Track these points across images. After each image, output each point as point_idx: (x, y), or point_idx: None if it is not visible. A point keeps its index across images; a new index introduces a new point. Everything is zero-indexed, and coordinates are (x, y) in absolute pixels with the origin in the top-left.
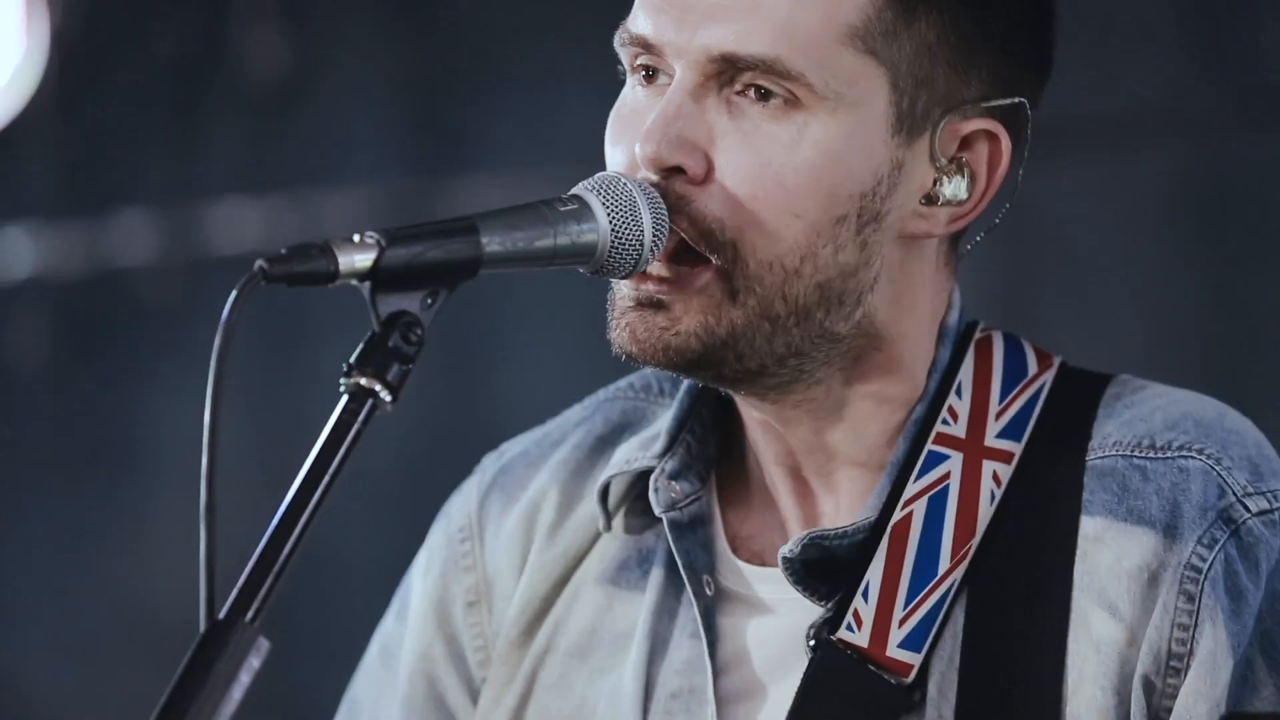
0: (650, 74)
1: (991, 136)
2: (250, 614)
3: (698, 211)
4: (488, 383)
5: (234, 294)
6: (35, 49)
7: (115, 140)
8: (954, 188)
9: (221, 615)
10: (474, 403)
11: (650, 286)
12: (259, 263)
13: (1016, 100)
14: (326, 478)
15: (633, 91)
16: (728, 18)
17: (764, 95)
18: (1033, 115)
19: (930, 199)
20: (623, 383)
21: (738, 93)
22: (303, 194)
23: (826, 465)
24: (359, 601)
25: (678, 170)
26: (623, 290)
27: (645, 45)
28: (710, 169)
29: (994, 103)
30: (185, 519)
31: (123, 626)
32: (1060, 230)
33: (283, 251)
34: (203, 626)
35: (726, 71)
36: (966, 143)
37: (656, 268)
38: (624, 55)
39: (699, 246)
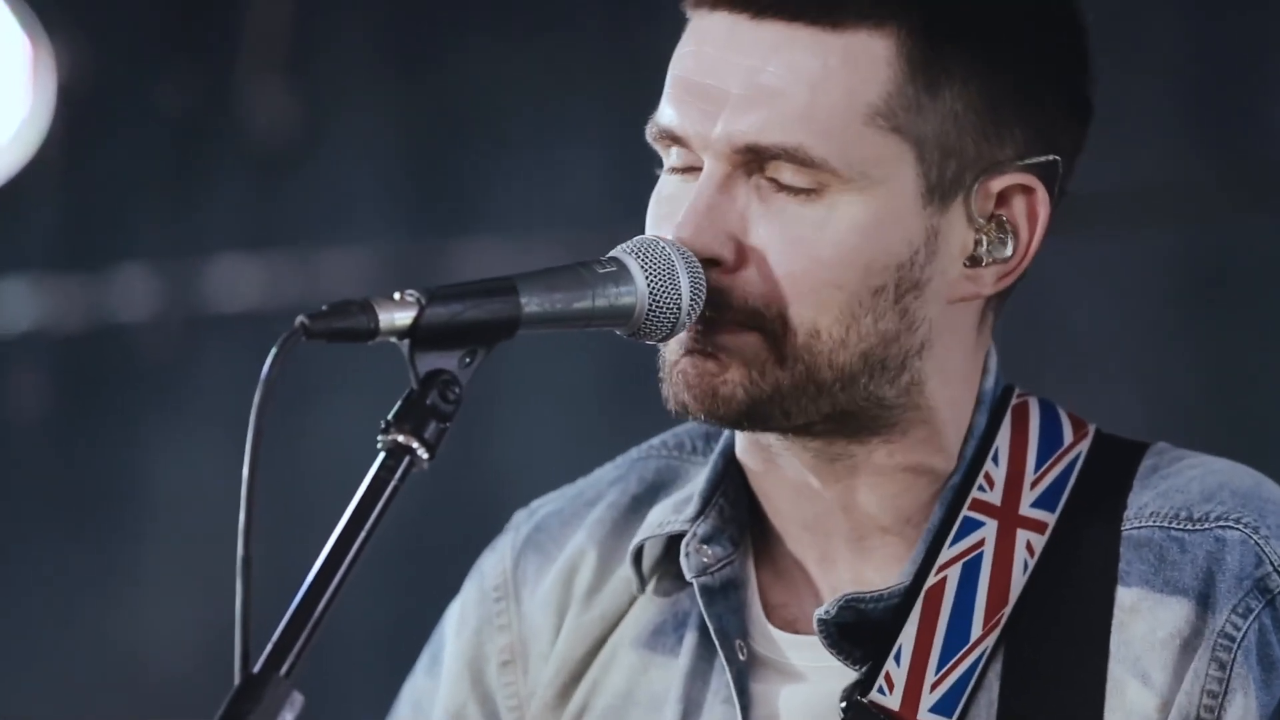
0: (687, 169)
1: (1027, 189)
2: (284, 669)
3: (739, 299)
4: (483, 449)
5: (275, 349)
6: (41, 104)
7: (118, 195)
8: (996, 246)
9: (256, 669)
10: (469, 469)
11: (694, 338)
12: (300, 318)
13: (1050, 158)
14: (362, 534)
15: (668, 178)
16: (750, 108)
17: (791, 181)
18: (1076, 163)
19: (974, 260)
20: (655, 441)
21: (766, 178)
22: (304, 252)
23: (856, 531)
24: (354, 665)
25: (713, 261)
26: (673, 343)
27: (673, 138)
28: (745, 255)
29: (1029, 161)
30: (179, 574)
31: (114, 680)
32: (1060, 309)
33: (324, 308)
34: (237, 679)
35: (753, 160)
36: (1003, 199)
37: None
38: (657, 147)
39: (748, 327)
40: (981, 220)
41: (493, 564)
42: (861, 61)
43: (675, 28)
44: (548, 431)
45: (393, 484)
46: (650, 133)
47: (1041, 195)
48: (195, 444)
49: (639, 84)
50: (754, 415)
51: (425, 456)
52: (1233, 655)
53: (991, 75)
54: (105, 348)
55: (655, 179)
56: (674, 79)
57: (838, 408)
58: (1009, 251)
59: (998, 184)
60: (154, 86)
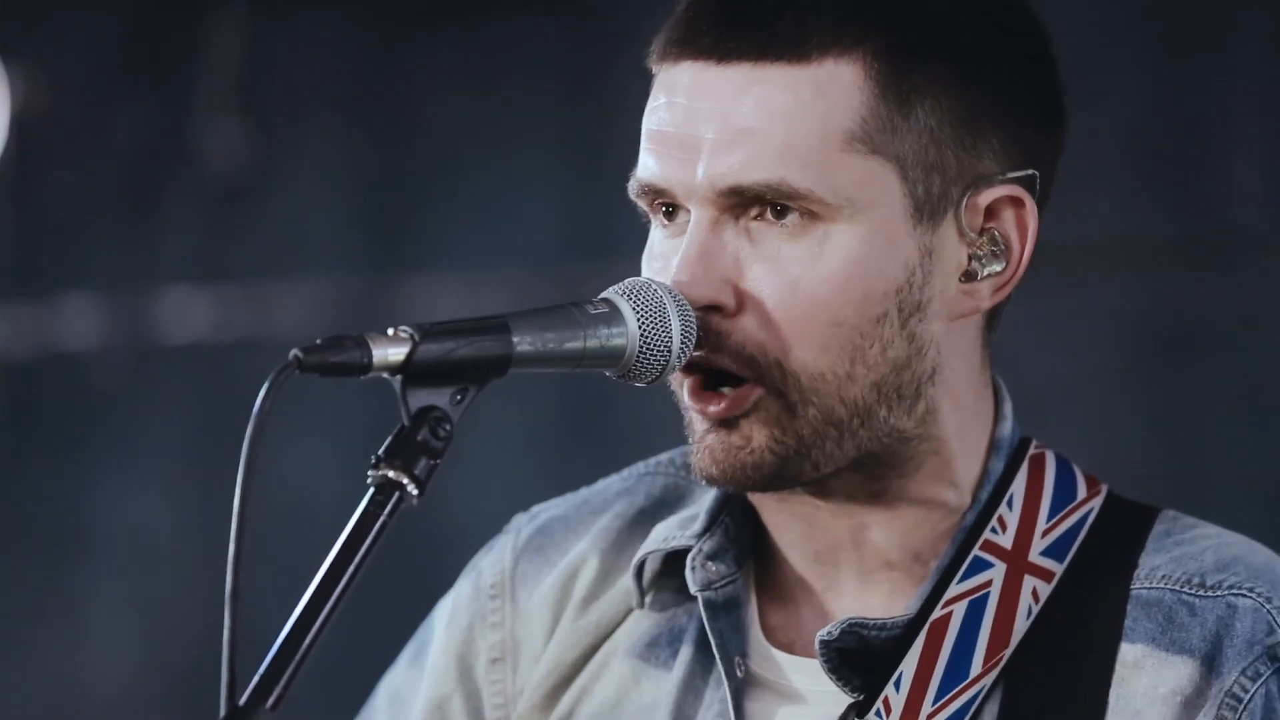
0: (670, 211)
1: (1015, 200)
2: (270, 701)
3: (737, 344)
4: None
5: (268, 382)
6: None
7: (69, 224)
8: (989, 260)
9: (242, 702)
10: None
11: (714, 409)
12: (294, 352)
13: (1030, 173)
14: (351, 568)
15: (657, 233)
16: (728, 150)
17: (780, 214)
18: (1055, 171)
19: (970, 275)
20: (663, 457)
21: (754, 218)
22: (254, 286)
23: (864, 565)
24: (303, 696)
25: (712, 308)
26: (698, 419)
27: (656, 191)
28: (742, 299)
29: (1011, 175)
30: (124, 604)
31: (57, 712)
32: (1010, 357)
33: (318, 341)
34: (223, 712)
35: (739, 203)
36: (991, 212)
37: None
38: (641, 203)
39: (744, 374)
40: (973, 234)
41: (490, 563)
42: (832, 90)
43: (629, 74)
44: (498, 468)
45: (382, 519)
46: (632, 190)
47: (1030, 206)
48: (141, 475)
49: (593, 127)
50: (784, 474)
51: (415, 492)
52: (1238, 715)
53: (961, 89)
54: (52, 376)
55: (606, 221)
56: (649, 133)
57: (862, 449)
58: (1002, 264)
59: (985, 197)
60: (108, 117)
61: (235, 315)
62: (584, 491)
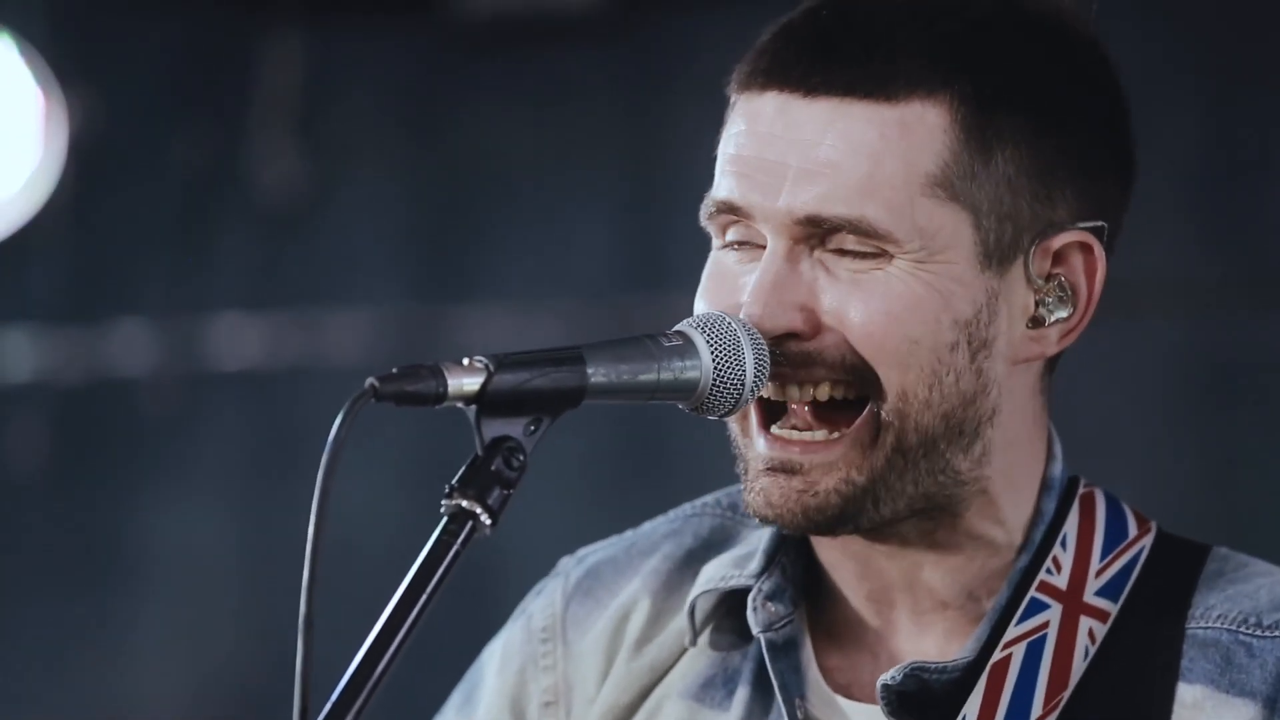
0: (741, 244)
1: (1085, 247)
2: None
3: (832, 357)
4: None
5: (343, 410)
6: (51, 156)
7: (124, 249)
8: (1056, 306)
9: None
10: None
11: (788, 453)
12: (370, 380)
13: (1100, 224)
14: (424, 598)
15: (722, 254)
16: (810, 181)
17: (854, 252)
18: (1124, 221)
19: (1037, 321)
20: (709, 499)
21: (829, 251)
22: (307, 312)
23: (918, 605)
24: None
25: (789, 335)
26: (757, 453)
27: (733, 210)
28: (819, 323)
29: (1081, 225)
30: (173, 631)
31: None
32: (1060, 397)
33: (394, 370)
34: None
35: (815, 234)
36: (1060, 258)
37: (792, 432)
38: (712, 226)
39: (848, 387)
40: (1040, 281)
41: (541, 606)
42: (917, 131)
43: (683, 103)
44: (553, 501)
45: (455, 548)
46: (705, 211)
47: (1099, 253)
48: (192, 500)
49: (646, 157)
50: (845, 517)
51: (488, 522)
52: None
53: (1040, 138)
54: (105, 401)
55: (659, 251)
56: (729, 157)
57: (920, 488)
58: (1069, 310)
59: (1055, 243)
60: (164, 142)
61: (287, 342)
62: (630, 534)
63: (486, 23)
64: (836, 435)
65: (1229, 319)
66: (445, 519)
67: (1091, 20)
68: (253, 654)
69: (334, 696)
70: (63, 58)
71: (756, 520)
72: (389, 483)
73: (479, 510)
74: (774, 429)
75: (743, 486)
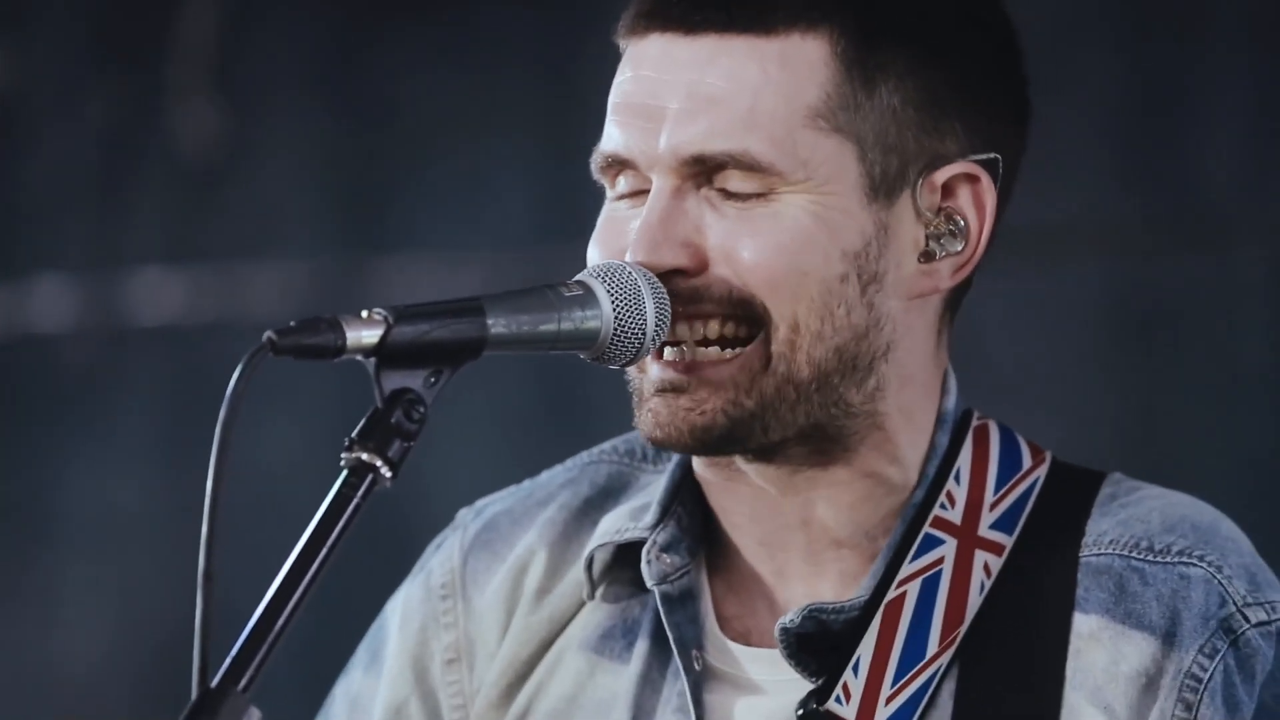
0: (634, 194)
1: (970, 179)
2: (242, 683)
3: (719, 291)
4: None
5: (241, 364)
6: None
7: (41, 206)
8: (948, 239)
9: (214, 684)
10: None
11: (677, 372)
12: (267, 334)
13: (992, 155)
14: (324, 550)
15: (614, 205)
16: (692, 119)
17: (739, 187)
18: (1019, 161)
19: (928, 255)
20: (606, 446)
21: (715, 189)
22: (227, 266)
23: (813, 545)
24: (275, 678)
25: (676, 271)
26: (649, 379)
27: (619, 161)
28: (705, 259)
29: (971, 157)
30: (94, 586)
31: (27, 693)
32: (983, 341)
33: (291, 324)
34: (194, 694)
35: (700, 172)
36: (948, 191)
37: (680, 351)
38: (604, 179)
39: (738, 324)
40: (929, 214)
41: (440, 561)
42: (798, 64)
43: (603, 56)
44: (471, 450)
45: (355, 501)
46: (595, 163)
47: (986, 183)
48: (114, 456)
49: (566, 109)
50: (733, 438)
51: (388, 475)
52: (1199, 697)
53: (926, 72)
54: (24, 358)
55: (580, 203)
56: (614, 105)
57: (811, 419)
58: (961, 244)
59: (941, 175)
60: (80, 98)
61: (208, 297)
62: (528, 484)
63: None
64: (729, 355)
65: (1150, 261)
66: (345, 472)
67: None
68: (174, 610)
69: (234, 651)
70: None
71: (651, 461)
72: (315, 437)
73: (379, 463)
74: (665, 352)
75: (635, 414)
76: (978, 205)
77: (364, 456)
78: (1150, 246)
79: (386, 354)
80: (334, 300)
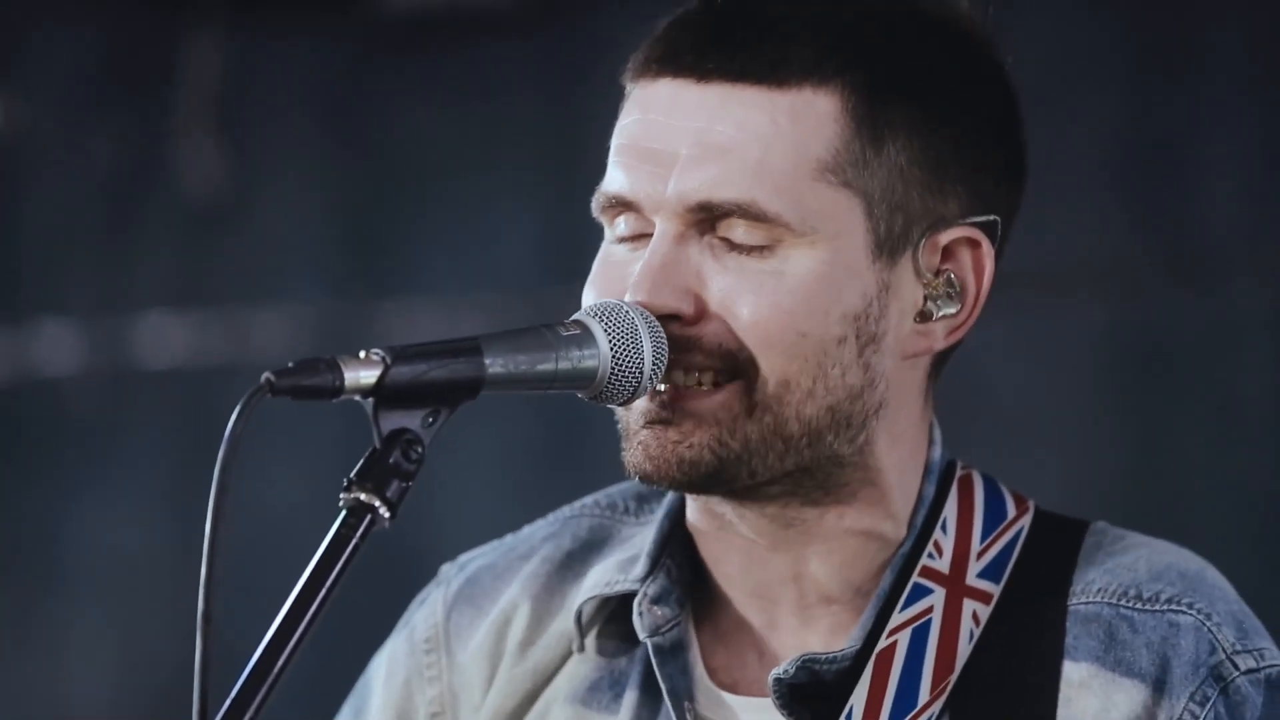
0: (634, 238)
1: (972, 243)
2: None
3: (710, 344)
4: (410, 505)
5: (240, 405)
6: None
7: (46, 249)
8: (945, 301)
9: None
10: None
11: (658, 406)
12: (266, 375)
13: (991, 218)
14: (323, 591)
15: (614, 247)
16: (700, 166)
17: (743, 239)
18: (1012, 224)
19: (924, 315)
20: (588, 500)
21: (718, 238)
22: (232, 310)
23: (804, 599)
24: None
25: (673, 317)
26: (634, 412)
27: (623, 203)
28: (705, 308)
29: (971, 219)
30: (101, 629)
31: None
32: (987, 379)
33: (290, 365)
34: None
35: (705, 220)
36: (949, 253)
37: (675, 381)
38: (604, 219)
39: (725, 376)
40: (929, 275)
41: (423, 616)
42: (808, 118)
43: (604, 97)
44: (474, 489)
45: (354, 542)
46: (597, 203)
47: (987, 249)
48: (118, 499)
49: (570, 151)
50: (719, 477)
51: (387, 515)
52: None
53: (932, 131)
54: (29, 401)
55: (583, 245)
56: (620, 147)
57: (800, 465)
58: (957, 306)
59: (944, 238)
60: (86, 142)
61: (212, 340)
62: (509, 538)
63: (407, 19)
64: (714, 386)
65: (1154, 300)
66: (344, 513)
67: (987, 24)
68: (178, 651)
69: (234, 692)
70: None
71: (633, 514)
72: (317, 479)
73: (377, 503)
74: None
75: (623, 449)
76: (977, 270)
77: (362, 497)
78: (1151, 285)
79: (384, 394)
80: (338, 342)
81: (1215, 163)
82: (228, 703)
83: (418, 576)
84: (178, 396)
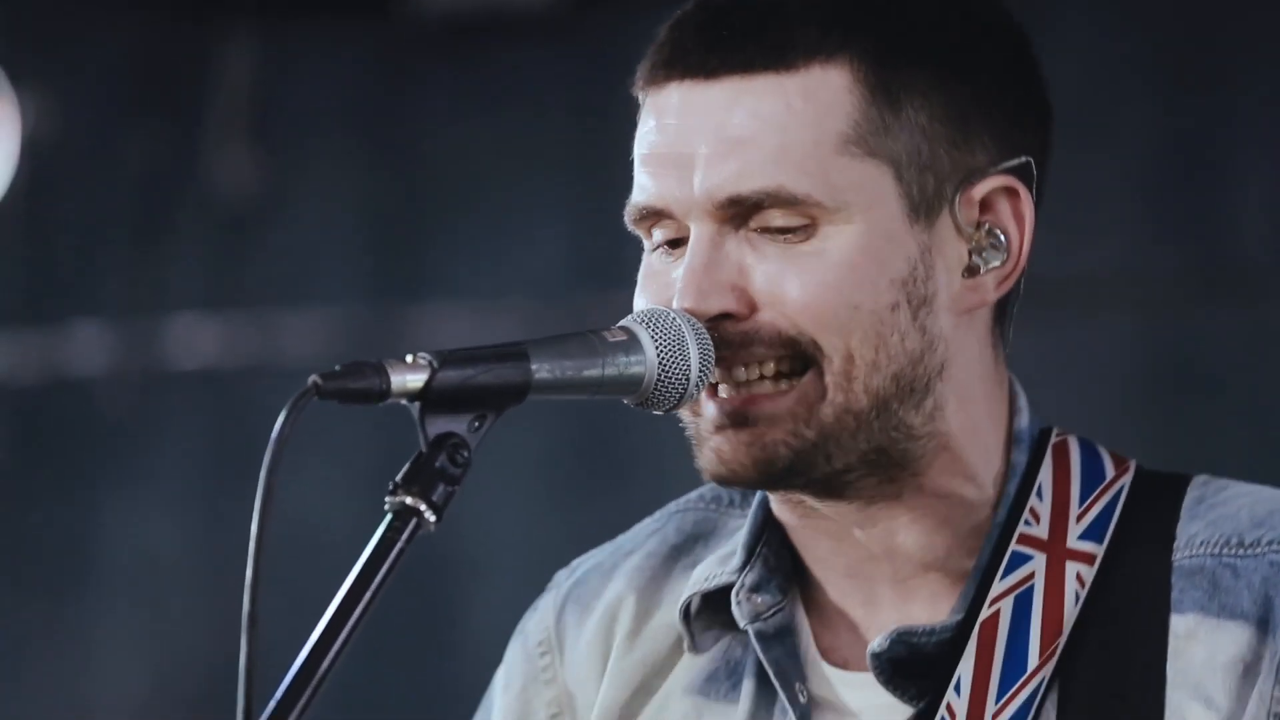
0: (673, 243)
1: (1009, 191)
2: None
3: (768, 334)
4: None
5: (286, 408)
6: (4, 156)
7: (78, 250)
8: (990, 253)
9: None
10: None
11: (731, 409)
12: (313, 378)
13: (1023, 160)
14: (368, 595)
15: (653, 256)
16: (723, 161)
17: (780, 223)
18: (1047, 163)
19: (971, 270)
20: (693, 495)
21: (754, 230)
22: (262, 313)
23: (899, 572)
24: None
25: (723, 316)
26: (705, 418)
27: (654, 212)
28: (754, 301)
29: (1003, 165)
30: (132, 630)
31: None
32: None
33: (337, 368)
34: None
35: (738, 214)
36: (987, 206)
37: (735, 389)
38: (639, 231)
39: (792, 361)
40: (970, 229)
41: (535, 622)
42: (821, 95)
43: (636, 102)
44: (512, 496)
45: (399, 545)
46: (629, 216)
47: (1025, 195)
48: (150, 500)
49: (602, 157)
50: (796, 468)
51: (432, 519)
52: None
53: (948, 86)
54: (61, 402)
55: (615, 251)
56: (642, 157)
57: (873, 444)
58: (1003, 256)
59: (979, 190)
60: (119, 143)
61: (243, 342)
62: (619, 538)
63: (440, 23)
64: (785, 386)
65: (1182, 314)
66: (389, 516)
67: None
68: (212, 653)
69: (278, 694)
70: (16, 59)
71: (739, 506)
72: (355, 481)
73: (423, 507)
74: (720, 390)
75: (695, 455)
76: (1017, 218)
77: (408, 500)
78: (1183, 299)
79: (431, 398)
80: (369, 346)
81: (1249, 176)
82: (271, 706)
83: (454, 582)
84: (208, 398)
